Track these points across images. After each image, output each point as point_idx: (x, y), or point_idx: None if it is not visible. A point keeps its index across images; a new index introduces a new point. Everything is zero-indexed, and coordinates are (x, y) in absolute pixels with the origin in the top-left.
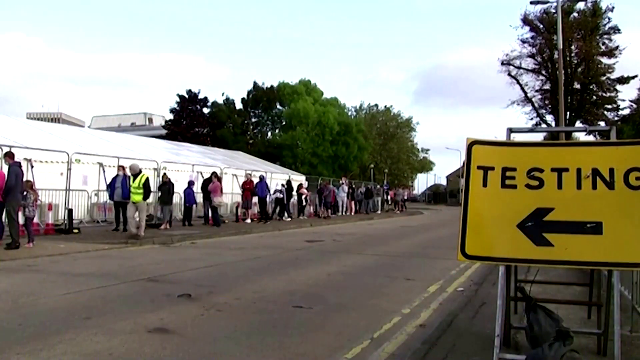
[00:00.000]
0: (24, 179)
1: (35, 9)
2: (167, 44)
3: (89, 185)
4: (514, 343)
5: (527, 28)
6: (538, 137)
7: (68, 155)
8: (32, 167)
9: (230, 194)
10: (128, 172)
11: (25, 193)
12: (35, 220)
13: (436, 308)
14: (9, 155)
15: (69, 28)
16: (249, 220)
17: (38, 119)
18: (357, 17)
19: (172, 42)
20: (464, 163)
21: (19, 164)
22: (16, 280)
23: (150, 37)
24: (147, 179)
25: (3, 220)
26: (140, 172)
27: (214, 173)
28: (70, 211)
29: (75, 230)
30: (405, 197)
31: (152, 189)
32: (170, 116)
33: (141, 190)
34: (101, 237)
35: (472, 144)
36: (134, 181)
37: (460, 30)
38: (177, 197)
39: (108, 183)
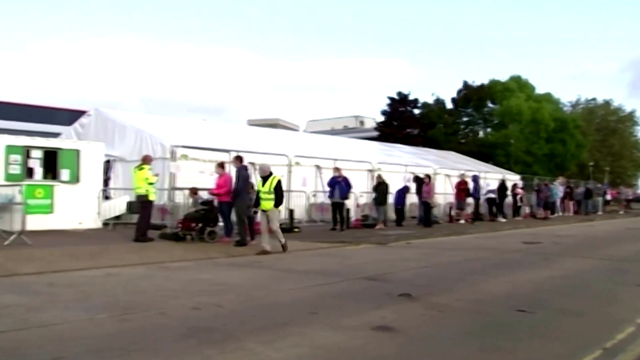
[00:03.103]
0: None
1: (249, 24)
2: (373, 48)
3: (308, 186)
4: None
5: None
6: None
7: (288, 158)
8: (255, 170)
9: (443, 194)
10: (337, 173)
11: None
12: (259, 219)
13: None
14: (238, 159)
15: (278, 39)
16: (462, 221)
17: (257, 125)
18: (562, 11)
19: (377, 46)
20: None
21: (246, 167)
22: (247, 275)
23: (356, 42)
24: (279, 181)
25: (232, 219)
26: (271, 174)
27: (424, 174)
28: (291, 211)
29: (296, 229)
30: (630, 197)
31: (284, 194)
32: (381, 118)
33: (272, 196)
34: (320, 236)
35: None
36: (263, 185)
37: None
38: (391, 198)
39: (327, 183)
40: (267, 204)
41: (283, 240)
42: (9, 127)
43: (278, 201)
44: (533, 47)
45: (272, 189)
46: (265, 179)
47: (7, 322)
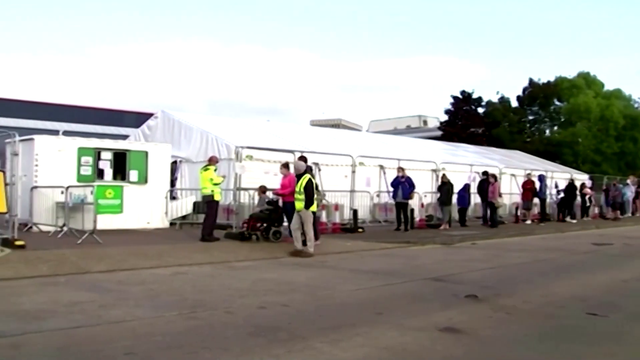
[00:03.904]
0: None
1: (311, 26)
2: (435, 47)
3: (372, 186)
4: None
5: None
6: None
7: (352, 158)
8: (319, 170)
9: (509, 194)
10: (400, 173)
11: None
12: (323, 219)
13: None
14: (303, 159)
15: (340, 40)
16: (529, 222)
17: (320, 126)
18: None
19: (440, 45)
20: None
21: (311, 168)
22: (312, 274)
23: (418, 41)
24: (309, 181)
25: None
26: (305, 172)
27: (489, 173)
28: (355, 211)
29: (360, 230)
30: None
31: (315, 195)
32: (445, 117)
33: (302, 196)
34: (384, 236)
35: None
36: (297, 184)
37: None
38: (456, 198)
39: (390, 183)
40: (299, 204)
41: (311, 249)
42: (80, 130)
43: (307, 202)
44: (602, 43)
45: (302, 189)
46: (299, 178)
47: (81, 318)
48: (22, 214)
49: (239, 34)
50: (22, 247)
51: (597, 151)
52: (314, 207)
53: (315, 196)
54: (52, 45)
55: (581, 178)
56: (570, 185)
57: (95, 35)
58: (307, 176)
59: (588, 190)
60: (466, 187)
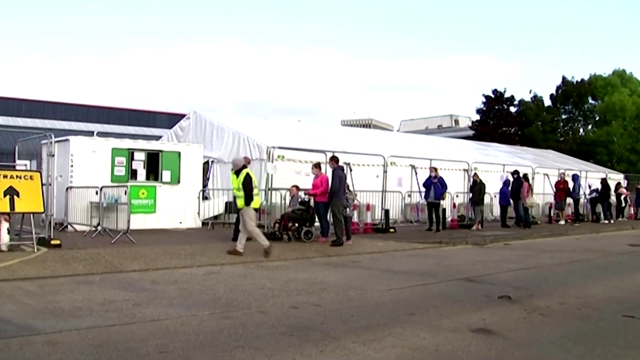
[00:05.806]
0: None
1: (340, 26)
2: (466, 46)
3: (403, 186)
4: None
5: None
6: None
7: (384, 158)
8: (350, 170)
9: (542, 194)
10: (433, 173)
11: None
12: (355, 219)
13: None
14: (334, 160)
15: (370, 40)
16: (562, 222)
17: (351, 125)
18: None
19: (471, 44)
20: None
21: (342, 168)
22: (343, 274)
23: (449, 40)
24: (247, 175)
25: (329, 219)
26: (243, 167)
27: (516, 172)
28: (387, 211)
29: (392, 230)
30: None
31: (256, 191)
32: (476, 117)
33: (241, 193)
34: (416, 237)
35: None
36: (236, 179)
37: None
38: (488, 198)
39: (422, 183)
40: (239, 201)
41: (265, 244)
42: (114, 131)
43: (247, 198)
44: (639, 40)
45: (240, 185)
46: (237, 173)
47: (115, 316)
48: (58, 213)
49: (270, 35)
50: (57, 246)
51: (632, 150)
52: (256, 204)
53: (255, 192)
54: (86, 48)
55: (616, 178)
56: (604, 185)
57: (128, 38)
58: (245, 171)
59: (623, 190)
60: (506, 182)
